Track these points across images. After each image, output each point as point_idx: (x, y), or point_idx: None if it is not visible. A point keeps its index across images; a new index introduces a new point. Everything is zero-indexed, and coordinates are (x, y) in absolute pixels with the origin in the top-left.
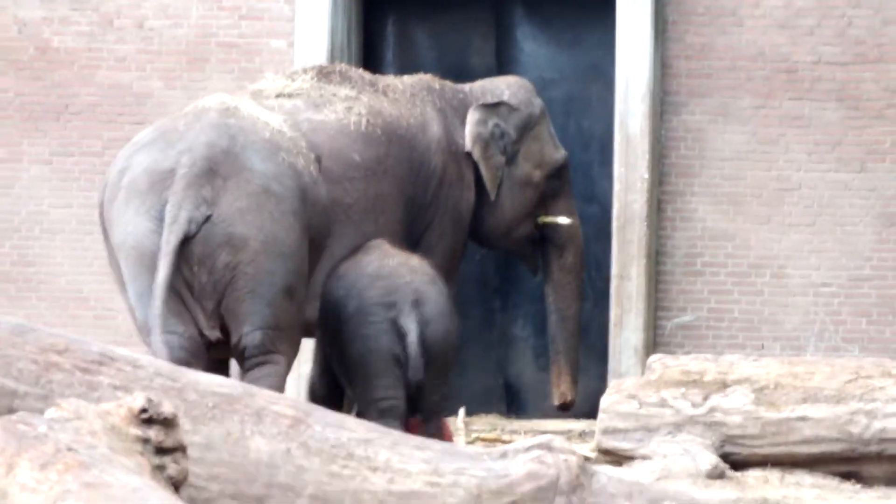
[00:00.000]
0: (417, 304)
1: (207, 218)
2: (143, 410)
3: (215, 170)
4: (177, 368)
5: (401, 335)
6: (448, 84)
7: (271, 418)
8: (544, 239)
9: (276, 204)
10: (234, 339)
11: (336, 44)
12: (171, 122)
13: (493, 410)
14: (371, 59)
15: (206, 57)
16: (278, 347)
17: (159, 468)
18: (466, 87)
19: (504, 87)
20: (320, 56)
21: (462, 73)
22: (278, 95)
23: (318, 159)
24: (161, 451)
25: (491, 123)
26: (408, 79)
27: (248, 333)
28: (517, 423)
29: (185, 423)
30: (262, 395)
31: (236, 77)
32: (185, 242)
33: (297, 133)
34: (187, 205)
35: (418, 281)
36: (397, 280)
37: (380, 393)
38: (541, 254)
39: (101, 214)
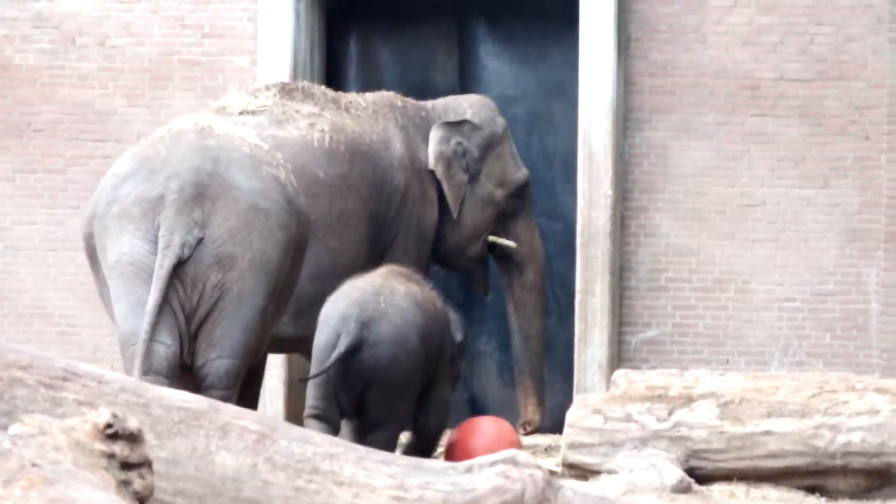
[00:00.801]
0: (369, 323)
1: (199, 241)
2: (109, 426)
3: (203, 193)
4: (141, 384)
5: (352, 350)
6: (410, 101)
7: (237, 433)
8: (505, 257)
9: (264, 220)
10: (199, 362)
11: (299, 61)
12: (151, 149)
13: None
14: (334, 76)
15: (169, 75)
16: (236, 381)
17: (125, 483)
18: (429, 104)
19: (467, 105)
20: (283, 73)
21: (425, 91)
22: (241, 112)
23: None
24: (126, 466)
25: (454, 141)
26: (370, 96)
27: (215, 360)
28: None
29: (150, 439)
30: (228, 411)
31: (199, 95)
32: (179, 266)
33: (272, 145)
34: (179, 229)
35: (384, 302)
36: (363, 296)
37: (310, 401)
38: (502, 273)
39: (89, 246)
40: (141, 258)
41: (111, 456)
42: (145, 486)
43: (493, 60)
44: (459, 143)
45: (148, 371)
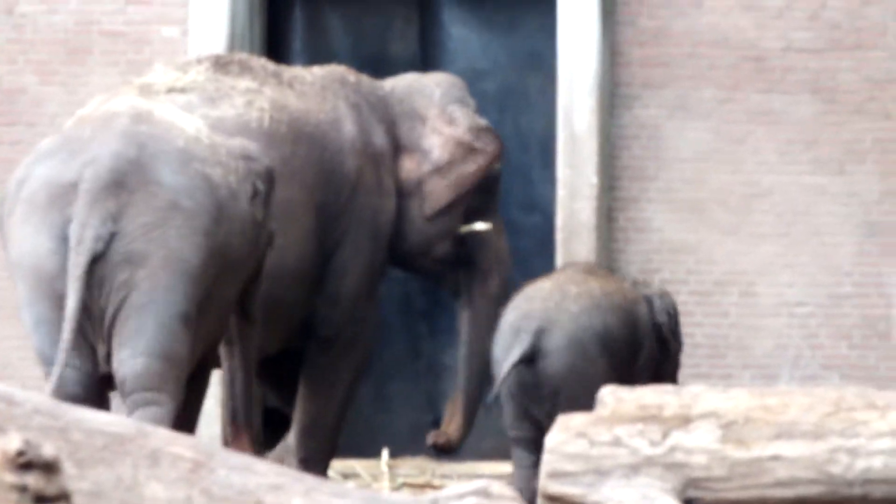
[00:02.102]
0: (540, 333)
1: (112, 235)
2: (20, 453)
3: (121, 182)
4: (59, 405)
5: (525, 360)
6: (365, 78)
7: (169, 461)
8: (469, 261)
9: (183, 220)
10: (114, 364)
11: (236, 31)
12: (77, 130)
13: (422, 452)
14: (276, 48)
15: (88, 47)
16: (164, 385)
17: None
18: (388, 83)
19: (434, 86)
20: (218, 45)
21: (382, 63)
22: (169, 90)
23: (269, 173)
24: (41, 500)
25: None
26: (318, 70)
27: (129, 359)
28: (449, 467)
29: (69, 468)
30: (158, 435)
31: (122, 70)
32: (92, 263)
33: (223, 138)
34: (93, 222)
35: (556, 308)
36: (533, 304)
37: (507, 421)
38: (463, 277)
39: (2, 230)
40: (43, 261)
41: (23, 489)
42: None
43: (459, 27)
44: None
45: (63, 401)
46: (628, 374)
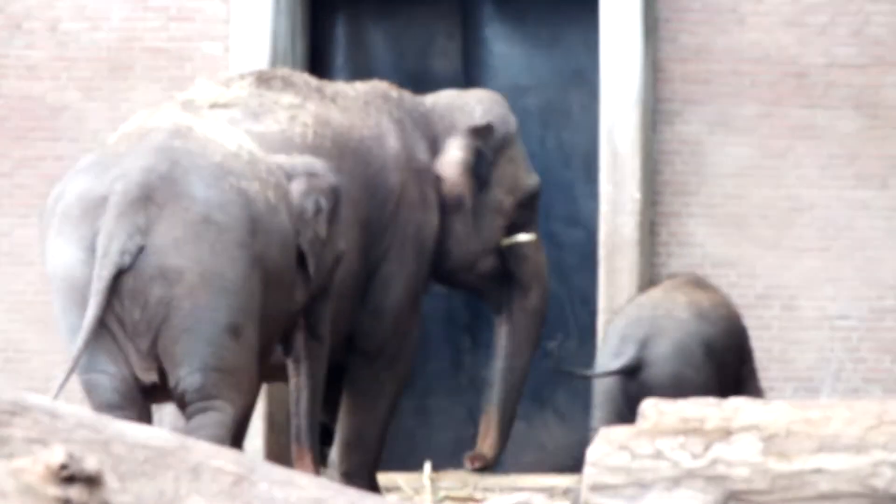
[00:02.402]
0: (647, 342)
1: (141, 248)
2: (64, 467)
3: (151, 196)
4: (101, 418)
5: (628, 371)
6: (407, 94)
7: (210, 475)
8: (508, 276)
9: (217, 234)
10: (171, 383)
11: (278, 47)
12: (116, 145)
13: (464, 465)
14: (319, 64)
15: (130, 64)
16: (223, 393)
17: None
18: (429, 99)
19: (475, 102)
20: (261, 61)
21: (424, 79)
22: (212, 105)
23: (334, 190)
24: None
25: (475, 148)
26: (360, 85)
27: (187, 376)
28: (491, 480)
29: (111, 481)
30: (200, 449)
31: (165, 86)
32: (118, 276)
33: (283, 156)
34: (120, 234)
35: (663, 317)
36: (641, 313)
37: (593, 423)
38: (502, 292)
39: (41, 243)
40: (74, 271)
41: (66, 502)
42: None
43: (501, 44)
44: (479, 150)
45: (100, 408)
46: (733, 384)
